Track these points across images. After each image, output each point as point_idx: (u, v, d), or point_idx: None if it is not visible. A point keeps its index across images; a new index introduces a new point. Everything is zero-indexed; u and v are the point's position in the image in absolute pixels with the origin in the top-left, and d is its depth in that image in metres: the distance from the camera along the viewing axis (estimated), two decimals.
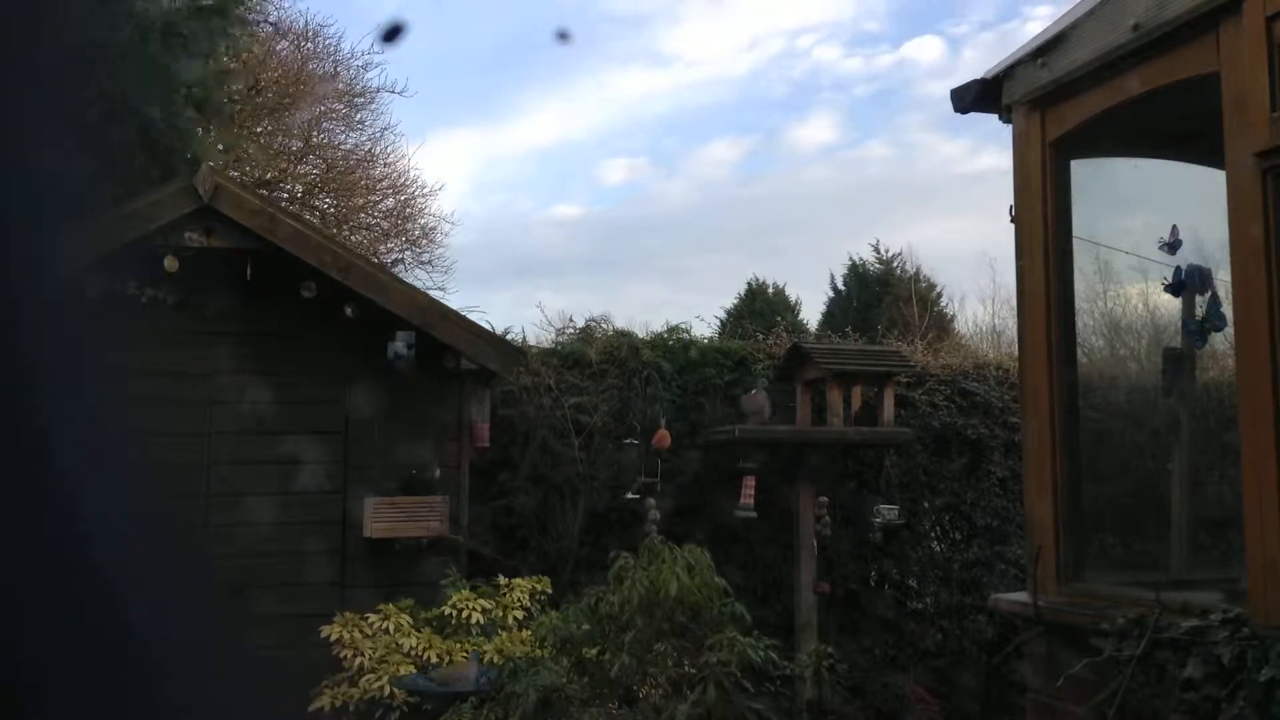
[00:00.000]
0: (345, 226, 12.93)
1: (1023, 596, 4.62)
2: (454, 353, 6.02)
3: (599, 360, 7.54)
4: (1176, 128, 4.74)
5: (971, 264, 31.42)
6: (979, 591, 7.51)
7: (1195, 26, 3.81)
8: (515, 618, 5.49)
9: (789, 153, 26.05)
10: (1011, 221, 4.75)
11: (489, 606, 5.48)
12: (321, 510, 6.03)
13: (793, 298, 17.58)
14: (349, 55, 13.17)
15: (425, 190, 14.02)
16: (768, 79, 27.82)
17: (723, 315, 16.73)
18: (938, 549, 7.98)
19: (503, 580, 5.77)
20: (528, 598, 5.66)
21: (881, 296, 17.01)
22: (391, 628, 5.32)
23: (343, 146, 13.65)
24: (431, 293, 8.54)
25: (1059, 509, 4.43)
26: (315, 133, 13.13)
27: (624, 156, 26.76)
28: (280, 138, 12.67)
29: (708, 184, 25.21)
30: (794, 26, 28.20)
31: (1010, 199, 4.76)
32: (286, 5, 12.69)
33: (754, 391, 7.27)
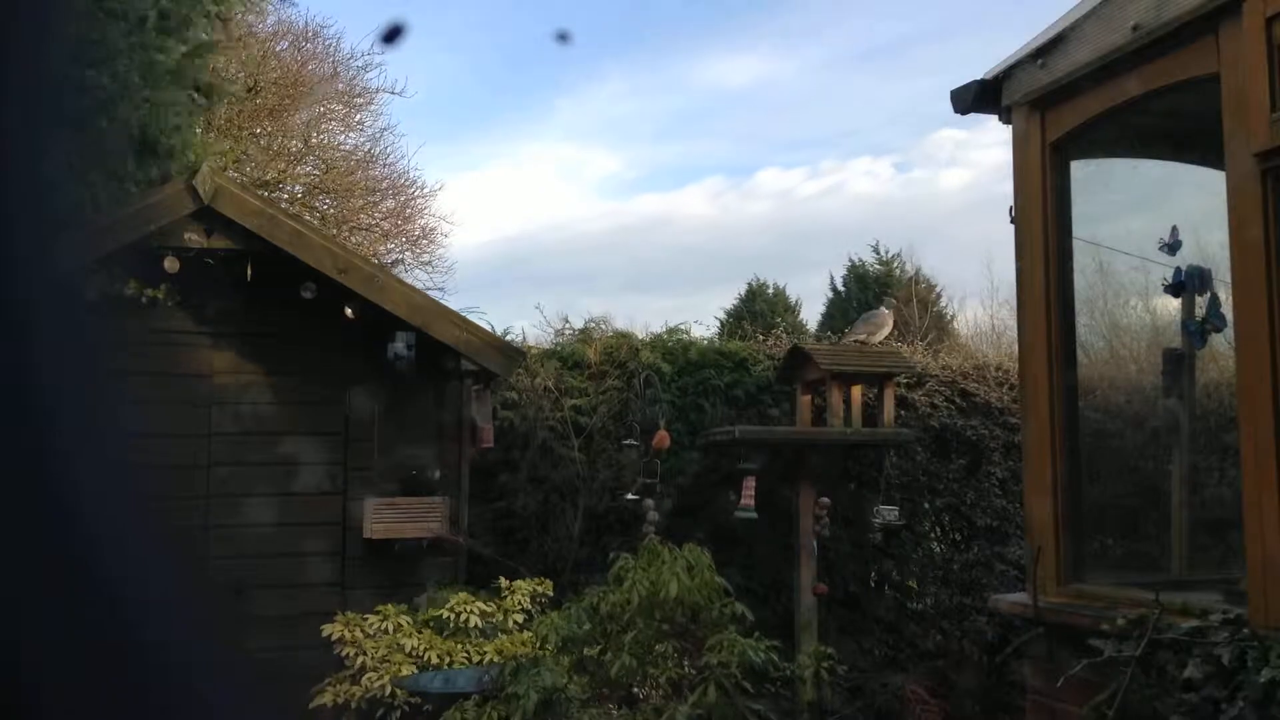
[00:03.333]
0: (345, 227, 12.92)
1: (1022, 597, 4.62)
2: (454, 353, 6.02)
3: (598, 362, 7.54)
4: (1176, 129, 4.75)
5: (971, 266, 32.12)
6: (979, 592, 7.51)
7: (1195, 27, 3.81)
8: (515, 621, 5.49)
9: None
10: (1011, 222, 4.75)
11: (488, 610, 5.47)
12: (321, 511, 6.03)
13: (793, 298, 17.63)
14: (348, 56, 13.18)
15: (425, 190, 14.04)
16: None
17: (722, 316, 16.76)
18: (937, 550, 7.98)
19: (504, 583, 5.77)
20: (528, 600, 5.66)
21: (881, 297, 17.01)
22: (391, 628, 5.33)
23: (342, 147, 13.66)
24: (431, 293, 8.55)
25: (1059, 509, 4.43)
26: (315, 133, 13.13)
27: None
28: (280, 138, 12.67)
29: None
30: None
31: (1011, 200, 4.76)
32: (287, 6, 12.67)
33: (882, 309, 7.69)
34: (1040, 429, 4.53)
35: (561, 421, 7.24)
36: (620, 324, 8.16)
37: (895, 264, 18.18)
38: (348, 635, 5.27)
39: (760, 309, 16.26)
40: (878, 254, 18.32)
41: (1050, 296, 4.53)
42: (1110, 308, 5.37)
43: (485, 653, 5.18)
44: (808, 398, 7.41)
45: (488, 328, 6.39)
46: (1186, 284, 4.62)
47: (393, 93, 13.42)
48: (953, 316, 17.05)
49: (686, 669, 4.41)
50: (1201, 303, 4.61)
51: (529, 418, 7.17)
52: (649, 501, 6.86)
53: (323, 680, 5.14)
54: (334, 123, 13.57)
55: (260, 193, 7.84)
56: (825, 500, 7.06)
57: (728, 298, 17.91)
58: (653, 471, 6.96)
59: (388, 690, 5.00)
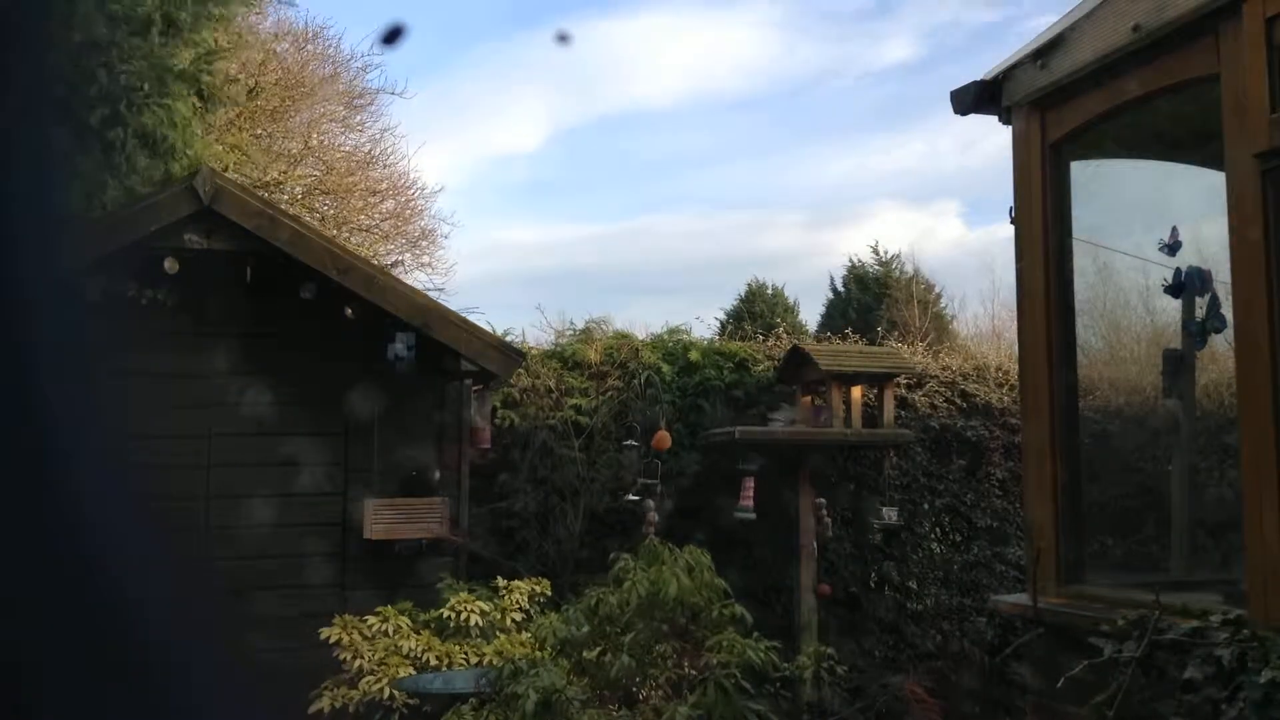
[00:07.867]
0: (345, 228, 12.91)
1: (1023, 598, 4.62)
2: (454, 354, 6.02)
3: (599, 362, 7.54)
4: (1176, 129, 4.75)
5: (971, 266, 31.99)
6: (979, 593, 7.52)
7: (1195, 28, 3.81)
8: (514, 619, 5.49)
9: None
10: (1011, 223, 4.75)
11: (487, 609, 5.47)
12: (321, 512, 6.03)
13: (791, 299, 17.61)
14: (349, 57, 13.18)
15: (425, 192, 14.04)
16: None
17: (722, 317, 16.75)
18: (938, 550, 7.98)
19: (501, 582, 5.77)
20: (526, 599, 5.65)
21: (881, 298, 17.01)
22: (390, 630, 5.32)
23: (342, 149, 13.64)
24: (431, 294, 8.54)
25: (1059, 510, 4.43)
26: (315, 134, 13.12)
27: None
28: (280, 139, 12.66)
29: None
30: None
31: (1011, 200, 4.76)
32: (286, 7, 12.67)
33: (784, 408, 7.48)
34: (1040, 430, 4.53)
35: (562, 422, 7.24)
36: (620, 324, 8.18)
37: (894, 265, 18.15)
38: (345, 639, 5.27)
39: (760, 309, 16.23)
40: (876, 255, 18.30)
41: (1050, 297, 4.53)
42: (1110, 308, 5.36)
43: (484, 654, 5.17)
44: (808, 398, 7.41)
45: (488, 328, 6.40)
46: (1186, 285, 4.62)
47: (393, 93, 13.42)
48: (953, 317, 17.04)
49: (686, 670, 4.41)
50: (1201, 303, 4.60)
51: (530, 418, 7.17)
52: (649, 502, 6.86)
53: (323, 681, 5.14)
54: (334, 124, 13.56)
55: (260, 194, 7.84)
56: (824, 501, 7.07)
57: (727, 298, 17.86)
58: (653, 472, 6.96)
59: (386, 693, 4.99)
